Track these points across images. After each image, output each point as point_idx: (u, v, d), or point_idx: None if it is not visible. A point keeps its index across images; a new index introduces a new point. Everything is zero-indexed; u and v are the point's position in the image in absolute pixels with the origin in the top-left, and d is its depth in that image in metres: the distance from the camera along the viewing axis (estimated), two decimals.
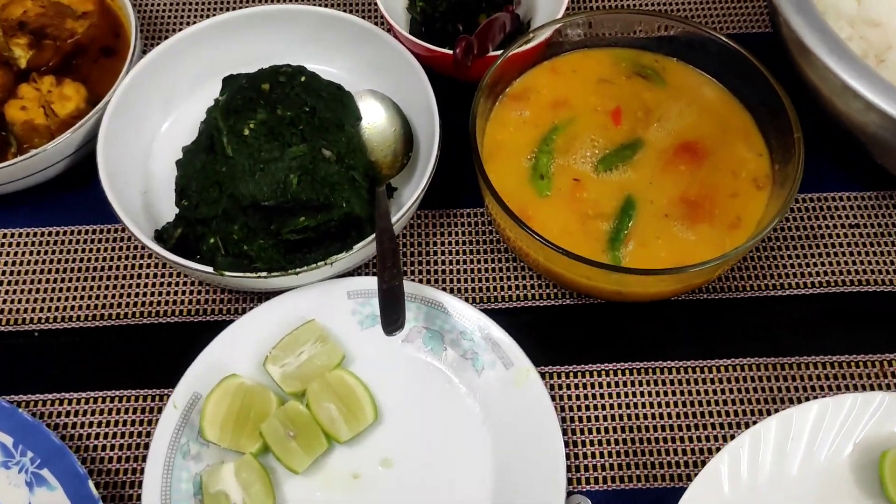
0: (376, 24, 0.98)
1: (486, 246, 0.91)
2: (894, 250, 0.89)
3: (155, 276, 0.90)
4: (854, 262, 0.88)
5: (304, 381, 0.80)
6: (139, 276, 0.90)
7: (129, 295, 0.89)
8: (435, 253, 0.91)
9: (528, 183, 0.83)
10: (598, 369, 0.84)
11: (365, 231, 0.84)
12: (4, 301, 0.89)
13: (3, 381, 0.84)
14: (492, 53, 0.89)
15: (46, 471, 0.77)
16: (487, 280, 0.89)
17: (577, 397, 0.82)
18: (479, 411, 0.80)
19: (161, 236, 0.86)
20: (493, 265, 0.90)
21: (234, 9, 0.98)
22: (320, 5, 0.98)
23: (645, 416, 0.81)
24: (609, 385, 0.83)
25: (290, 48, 0.98)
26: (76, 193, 0.95)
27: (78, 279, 0.90)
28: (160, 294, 0.89)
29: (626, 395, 0.82)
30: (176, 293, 0.89)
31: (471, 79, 0.88)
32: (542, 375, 0.82)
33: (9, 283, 0.90)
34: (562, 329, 0.86)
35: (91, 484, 0.75)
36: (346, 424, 0.78)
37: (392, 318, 0.73)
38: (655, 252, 0.79)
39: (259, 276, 0.80)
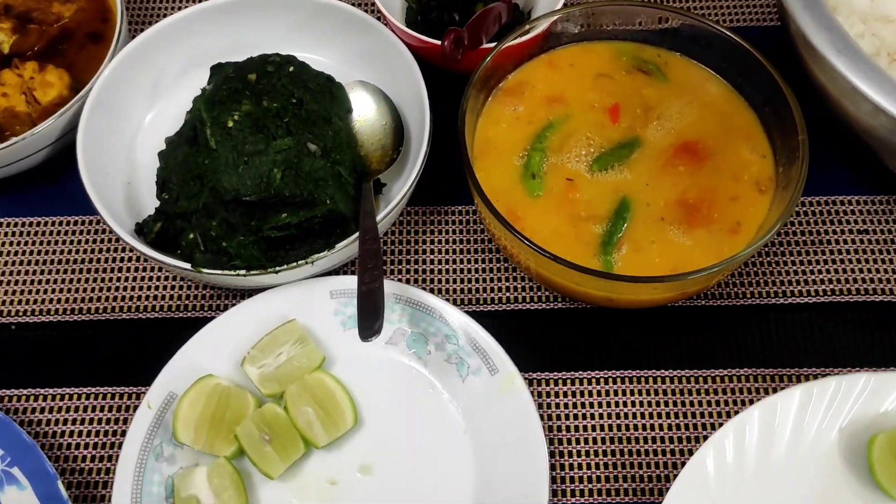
0: (370, 13, 0.95)
1: (476, 245, 0.88)
2: None
3: (135, 270, 0.88)
4: (860, 270, 0.84)
5: (282, 384, 0.77)
6: (119, 270, 0.88)
7: (108, 289, 0.87)
8: (422, 252, 0.88)
9: (519, 182, 0.80)
10: (587, 377, 0.80)
11: (349, 229, 0.81)
12: None
13: None
14: (486, 46, 0.86)
15: (17, 469, 0.75)
16: (475, 281, 0.86)
17: (565, 405, 0.79)
18: (461, 419, 0.77)
19: (141, 230, 0.84)
20: (481, 265, 0.86)
21: None
22: None
23: (635, 427, 0.78)
24: (598, 394, 0.80)
25: (281, 36, 0.95)
26: (58, 183, 0.92)
27: (57, 272, 0.88)
28: (139, 289, 0.87)
29: (616, 404, 0.79)
30: (155, 288, 0.87)
31: (464, 71, 0.84)
32: (529, 382, 0.79)
33: None
34: (550, 334, 0.83)
35: (60, 484, 0.73)
36: (324, 429, 0.75)
37: (368, 323, 0.70)
38: (650, 257, 0.76)
39: (238, 274, 0.77)
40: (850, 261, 0.85)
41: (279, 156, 0.80)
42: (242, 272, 0.77)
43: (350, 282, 0.82)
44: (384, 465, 0.76)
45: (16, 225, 0.91)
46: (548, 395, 0.80)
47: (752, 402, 0.78)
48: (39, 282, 0.87)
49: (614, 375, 0.80)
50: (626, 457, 0.77)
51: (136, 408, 0.79)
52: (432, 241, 0.88)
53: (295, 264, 0.77)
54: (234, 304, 0.84)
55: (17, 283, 0.87)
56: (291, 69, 0.87)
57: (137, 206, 0.88)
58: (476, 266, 0.86)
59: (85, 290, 0.87)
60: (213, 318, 0.81)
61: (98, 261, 0.88)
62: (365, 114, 0.89)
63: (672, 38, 0.86)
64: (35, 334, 0.85)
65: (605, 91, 0.84)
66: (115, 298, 0.86)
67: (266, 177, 0.79)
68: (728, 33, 0.81)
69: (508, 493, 0.72)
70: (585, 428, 0.78)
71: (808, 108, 0.77)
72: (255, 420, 0.75)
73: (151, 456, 0.75)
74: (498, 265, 0.86)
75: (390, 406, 0.78)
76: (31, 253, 0.89)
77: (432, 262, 0.87)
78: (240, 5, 0.93)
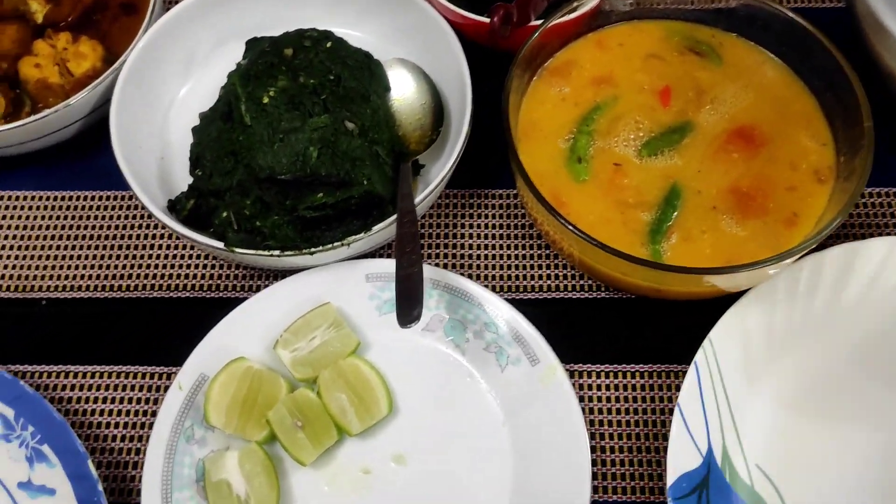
0: None
1: (517, 231, 0.85)
2: None
3: (167, 247, 0.86)
4: None
5: (315, 368, 0.75)
6: (150, 248, 0.86)
7: (139, 266, 0.85)
8: (461, 236, 0.85)
9: (564, 166, 0.77)
10: (632, 370, 0.78)
11: (386, 210, 0.79)
12: (14, 266, 0.86)
13: (5, 350, 0.81)
14: (533, 23, 0.82)
15: (47, 447, 0.74)
16: (516, 268, 0.83)
17: (607, 399, 0.76)
18: (500, 410, 0.74)
19: (174, 207, 0.82)
20: (522, 252, 0.84)
21: None
22: None
23: None
24: (643, 388, 0.77)
25: (318, 10, 0.92)
26: (90, 157, 0.91)
27: (88, 247, 0.86)
28: (171, 267, 0.85)
29: (661, 399, 0.76)
30: (187, 267, 0.85)
31: (509, 49, 0.81)
32: (570, 374, 0.76)
33: (18, 247, 0.87)
34: (593, 324, 0.80)
35: (90, 463, 0.72)
36: (357, 417, 0.73)
37: (408, 309, 0.67)
38: (700, 248, 0.72)
39: (272, 255, 0.75)
40: None
41: (315, 133, 0.77)
42: (276, 252, 0.75)
43: (386, 265, 0.79)
44: (419, 455, 0.74)
45: (47, 199, 0.89)
46: (589, 387, 0.77)
47: None
48: (70, 257, 0.86)
49: (659, 370, 0.77)
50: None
51: (166, 388, 0.78)
52: (471, 226, 0.85)
53: (330, 246, 0.75)
54: (266, 285, 0.82)
55: (47, 257, 0.86)
56: (329, 45, 0.84)
57: (170, 183, 0.86)
58: (516, 252, 0.84)
59: (116, 266, 0.85)
60: (245, 298, 0.79)
61: (129, 237, 0.87)
62: (404, 92, 0.86)
63: (728, 18, 0.82)
64: (65, 310, 0.83)
65: (655, 73, 0.81)
66: (146, 276, 0.84)
67: (302, 155, 0.76)
68: (788, 13, 0.77)
69: (548, 488, 0.70)
70: (628, 423, 0.75)
71: (872, 95, 0.73)
72: (288, 405, 0.73)
73: (182, 438, 0.73)
74: (539, 252, 0.84)
75: (426, 395, 0.76)
76: (63, 227, 0.87)
77: (471, 247, 0.84)
78: None
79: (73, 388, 0.80)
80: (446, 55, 0.85)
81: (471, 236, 0.85)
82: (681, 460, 0.69)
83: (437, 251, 0.84)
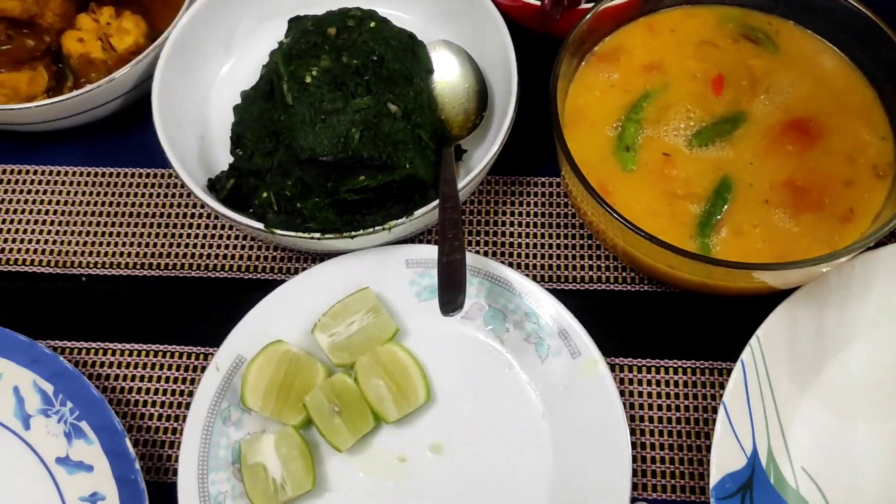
0: None
1: (559, 220, 0.83)
2: None
3: (206, 227, 0.86)
4: None
5: (353, 354, 0.75)
6: (190, 226, 0.86)
7: (178, 245, 0.85)
8: (503, 223, 0.83)
9: (611, 155, 0.75)
10: (675, 366, 0.76)
11: (428, 195, 0.77)
12: (55, 242, 0.86)
13: (45, 325, 0.81)
14: (584, 6, 0.80)
15: (85, 423, 0.74)
16: (558, 257, 0.81)
17: (648, 395, 0.75)
18: (539, 402, 0.73)
19: (214, 186, 0.81)
20: (565, 241, 0.82)
21: None
22: None
23: None
24: (686, 384, 0.75)
25: None
26: (131, 134, 0.91)
27: (129, 224, 0.86)
28: (210, 247, 0.85)
29: (705, 396, 0.75)
30: (226, 247, 0.84)
31: (556, 33, 0.79)
32: (611, 368, 0.75)
33: (59, 223, 0.87)
34: (637, 317, 0.78)
35: (128, 441, 0.72)
36: (395, 404, 0.73)
37: (451, 297, 0.66)
38: (751, 242, 0.70)
39: (312, 237, 0.74)
40: None
41: (358, 115, 0.76)
42: (317, 235, 0.74)
43: (427, 251, 0.78)
44: (456, 444, 0.73)
45: (88, 174, 0.89)
46: (630, 381, 0.76)
47: None
48: (110, 234, 0.86)
49: (703, 366, 0.76)
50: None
51: (203, 368, 0.78)
52: (513, 213, 0.84)
53: (371, 230, 0.74)
54: (304, 268, 0.81)
55: (87, 233, 0.86)
56: (372, 24, 0.83)
57: (210, 161, 0.85)
58: (559, 241, 0.82)
59: (155, 244, 0.85)
60: (283, 280, 0.79)
61: (169, 215, 0.86)
62: (447, 75, 0.85)
63: (785, 4, 0.79)
64: (105, 287, 0.83)
65: (708, 60, 0.78)
66: (185, 255, 0.84)
67: (344, 136, 0.75)
68: (850, 1, 0.74)
69: (587, 483, 0.69)
70: (670, 420, 0.74)
71: None
72: (325, 390, 0.73)
73: (219, 419, 0.73)
74: (582, 241, 0.82)
75: (465, 384, 0.75)
76: (103, 204, 0.87)
77: (512, 234, 0.83)
78: None
79: (111, 365, 0.80)
80: (492, 38, 0.83)
81: (512, 224, 0.83)
82: (725, 460, 0.67)
83: (478, 238, 0.83)
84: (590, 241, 0.82)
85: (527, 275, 0.79)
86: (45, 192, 0.88)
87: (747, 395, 0.69)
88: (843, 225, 0.70)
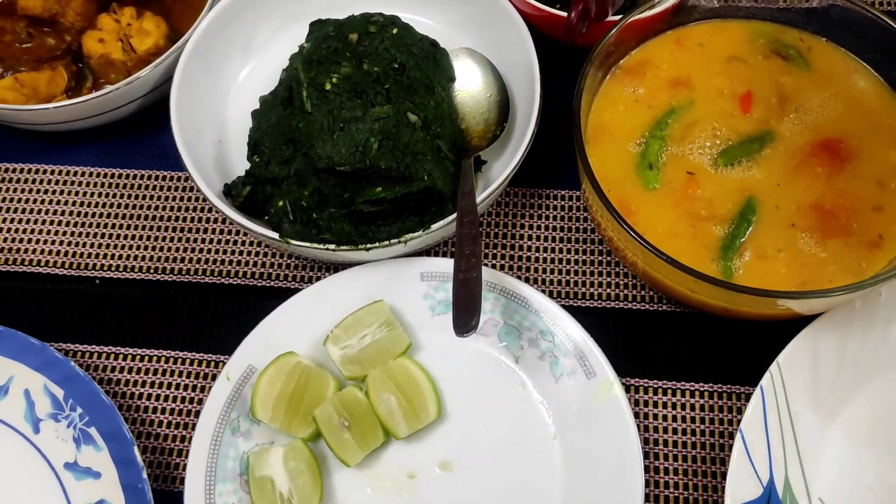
0: None
1: (578, 235, 0.82)
2: None
3: (221, 232, 0.85)
4: None
5: (365, 367, 0.74)
6: (204, 231, 0.85)
7: (192, 250, 0.84)
8: (521, 237, 0.82)
9: (633, 172, 0.73)
10: (692, 389, 0.74)
11: (446, 208, 0.76)
12: (70, 243, 0.85)
13: (58, 327, 0.81)
14: (610, 18, 0.78)
15: (94, 429, 0.74)
16: (575, 273, 0.80)
17: (664, 418, 0.73)
18: (552, 422, 0.72)
19: (230, 192, 0.80)
20: (583, 257, 0.80)
21: None
22: None
23: None
24: (703, 408, 0.73)
25: None
26: (149, 136, 0.90)
27: (143, 227, 0.86)
28: (224, 253, 0.84)
29: (722, 422, 0.73)
30: (240, 253, 0.84)
31: (582, 45, 0.78)
32: (627, 388, 0.73)
33: (74, 224, 0.86)
34: (655, 337, 0.77)
35: (136, 449, 0.72)
36: (405, 420, 0.72)
37: (465, 317, 0.65)
38: (775, 267, 0.68)
39: (327, 249, 0.73)
40: None
41: (377, 124, 0.75)
42: (332, 247, 0.73)
43: (443, 265, 0.77)
44: (466, 462, 0.72)
45: (105, 175, 0.89)
46: (645, 403, 0.74)
47: None
48: (125, 237, 0.85)
49: (721, 390, 0.74)
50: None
51: (214, 376, 0.77)
52: (531, 227, 0.82)
53: (387, 242, 0.73)
54: (318, 277, 0.80)
55: (103, 235, 0.85)
56: (395, 31, 0.81)
57: (227, 167, 0.84)
58: (577, 257, 0.81)
59: (170, 248, 0.84)
60: (296, 289, 0.78)
61: (184, 220, 0.86)
62: (469, 84, 0.83)
63: (818, 21, 0.77)
64: (118, 291, 0.83)
65: (736, 76, 0.76)
66: (199, 260, 0.83)
67: (362, 146, 0.74)
68: (885, 19, 0.72)
69: None
70: (685, 444, 0.72)
71: None
72: (335, 404, 0.72)
73: (228, 429, 0.73)
74: (601, 258, 0.80)
75: (476, 401, 0.74)
76: (119, 206, 0.87)
77: (530, 249, 0.81)
78: None
79: (122, 370, 0.79)
80: (516, 47, 0.81)
81: (530, 238, 0.82)
82: (740, 489, 0.65)
83: (495, 251, 0.81)
84: (609, 258, 0.80)
85: (543, 291, 0.78)
86: (61, 193, 0.88)
87: (765, 423, 0.68)
88: (870, 252, 0.68)
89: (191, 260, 0.84)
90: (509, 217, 0.83)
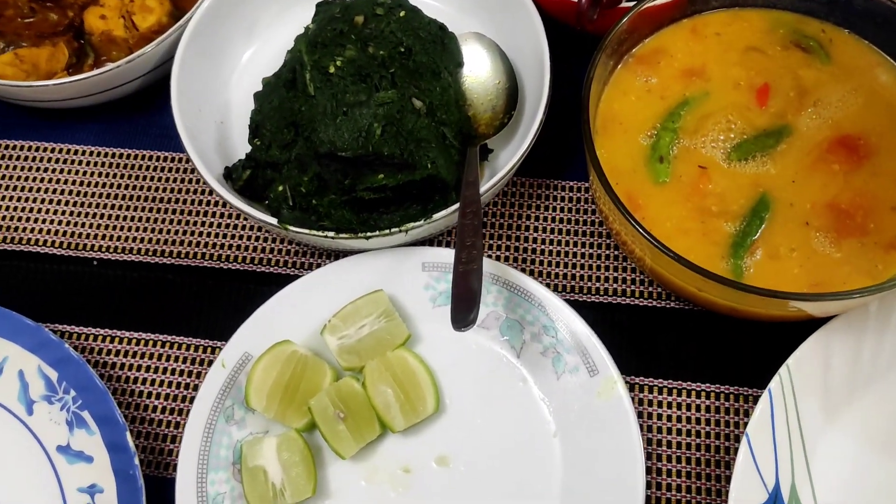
0: None
1: (585, 227, 0.79)
2: None
3: (220, 216, 0.83)
4: None
5: (362, 358, 0.72)
6: (203, 214, 0.83)
7: (191, 233, 0.82)
8: (525, 229, 0.80)
9: (643, 165, 0.71)
10: (697, 389, 0.72)
11: (449, 197, 0.74)
12: (69, 223, 0.84)
13: (53, 307, 0.80)
14: (623, 4, 0.76)
15: (87, 413, 0.73)
16: (581, 267, 0.78)
17: (668, 418, 0.71)
18: (552, 419, 0.70)
19: (230, 175, 0.79)
20: (590, 251, 0.78)
21: None
22: None
23: None
24: (708, 409, 0.71)
25: None
26: (150, 115, 0.88)
27: (142, 209, 0.84)
28: (222, 237, 0.82)
29: (728, 424, 0.71)
30: (239, 238, 0.82)
31: (594, 31, 0.75)
32: (630, 386, 0.71)
33: (73, 203, 0.85)
34: (661, 335, 0.75)
35: (129, 435, 0.70)
36: (402, 413, 0.70)
37: (463, 312, 0.63)
38: (787, 267, 0.66)
39: (326, 236, 0.71)
40: None
41: (381, 109, 0.73)
42: (331, 234, 0.71)
43: (445, 255, 0.75)
44: (463, 458, 0.70)
45: (105, 155, 0.87)
46: (649, 402, 0.72)
47: None
48: (124, 217, 0.84)
49: (728, 391, 0.72)
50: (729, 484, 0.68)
51: (209, 362, 0.76)
52: (537, 218, 0.80)
53: (388, 231, 0.71)
54: (318, 264, 0.78)
55: (101, 216, 0.84)
56: (402, 14, 0.79)
57: (228, 148, 0.83)
58: (583, 251, 0.78)
59: (168, 231, 0.83)
60: (295, 276, 0.76)
61: (184, 202, 0.84)
62: (477, 70, 0.81)
63: (841, 11, 0.74)
64: (115, 272, 0.81)
65: (754, 68, 0.74)
66: (196, 244, 0.82)
67: (365, 131, 0.72)
68: None
69: None
70: (689, 446, 0.70)
71: None
72: (331, 394, 0.70)
73: (222, 417, 0.71)
74: (607, 252, 0.78)
75: (476, 395, 0.72)
76: (118, 186, 0.85)
77: (535, 241, 0.79)
78: None
79: (117, 353, 0.78)
80: (526, 33, 0.79)
81: (535, 229, 0.80)
82: (744, 494, 0.63)
83: (499, 243, 0.80)
84: (616, 252, 0.78)
85: (547, 284, 0.76)
86: (60, 171, 0.86)
87: (773, 427, 0.66)
88: (887, 253, 0.66)
89: (189, 243, 0.82)
90: (515, 208, 0.81)
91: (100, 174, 0.86)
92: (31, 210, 0.85)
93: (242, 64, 0.87)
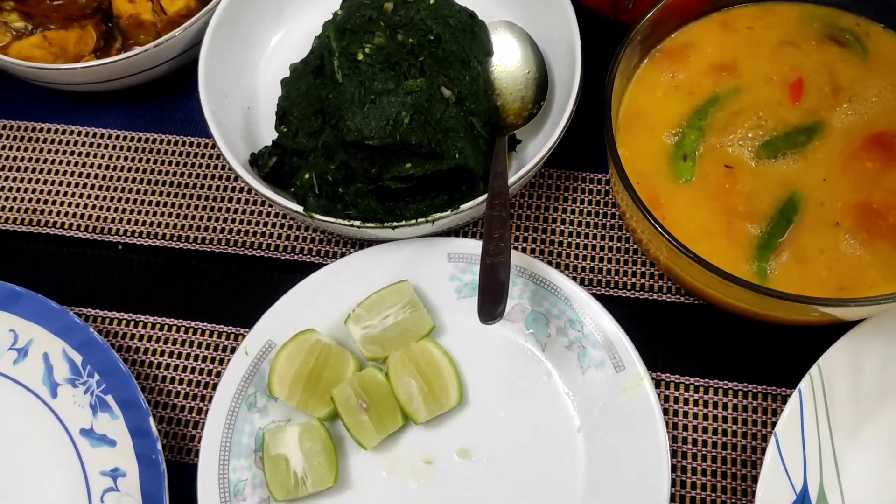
0: None
1: (614, 221, 0.79)
2: None
3: (245, 202, 0.83)
4: None
5: (386, 348, 0.72)
6: (229, 201, 0.83)
7: (216, 219, 0.82)
8: (553, 221, 0.79)
9: (666, 163, 0.69)
10: (725, 387, 0.72)
11: (476, 187, 0.74)
12: (94, 207, 0.84)
13: (77, 292, 0.80)
14: None
15: (111, 397, 0.73)
16: (608, 261, 0.77)
17: (695, 416, 0.71)
18: (577, 414, 0.70)
19: (256, 161, 0.78)
20: (618, 244, 0.78)
21: None
22: None
23: None
24: (735, 408, 0.71)
25: None
26: (177, 100, 0.88)
27: (168, 194, 0.84)
28: (248, 223, 0.82)
29: (756, 423, 0.70)
30: (264, 225, 0.82)
31: (628, 21, 0.74)
32: (656, 383, 0.71)
33: (99, 187, 0.85)
34: (688, 332, 0.74)
35: (152, 420, 0.71)
36: (425, 404, 0.70)
37: (491, 304, 0.62)
38: (815, 270, 0.65)
39: (352, 225, 0.71)
40: None
41: (409, 98, 0.72)
42: (357, 223, 0.71)
43: (471, 246, 0.74)
44: (485, 451, 0.70)
45: (132, 139, 0.87)
46: (675, 400, 0.71)
47: None
48: (149, 202, 0.84)
49: (756, 390, 0.71)
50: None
51: (233, 349, 0.76)
52: (564, 210, 0.80)
53: (414, 221, 0.71)
54: (343, 252, 0.78)
55: (127, 200, 0.84)
56: (432, 1, 0.79)
57: (254, 135, 0.82)
58: (611, 245, 0.78)
59: (193, 217, 0.83)
60: (320, 264, 0.76)
61: (210, 187, 0.84)
62: (507, 60, 0.80)
63: (878, 5, 0.72)
64: (140, 257, 0.82)
65: (787, 62, 0.73)
66: (222, 230, 0.82)
67: (393, 120, 0.72)
68: None
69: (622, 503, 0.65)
70: (715, 445, 0.70)
71: None
72: (354, 384, 0.70)
73: (244, 405, 0.71)
74: (635, 246, 0.78)
75: (500, 388, 0.71)
76: (144, 171, 0.85)
77: (562, 233, 0.79)
78: None
79: (140, 337, 0.78)
80: (558, 22, 0.78)
81: (563, 222, 0.79)
82: (771, 495, 0.63)
83: (526, 235, 0.79)
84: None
85: (574, 278, 0.75)
86: (87, 155, 0.87)
87: (802, 428, 0.65)
88: None
89: (214, 229, 0.82)
90: (542, 199, 0.80)
91: (126, 158, 0.86)
92: (57, 193, 0.85)
93: (270, 49, 0.87)
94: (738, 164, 0.69)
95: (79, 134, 0.88)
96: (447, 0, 0.80)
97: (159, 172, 0.85)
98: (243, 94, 0.84)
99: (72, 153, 0.87)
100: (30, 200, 0.85)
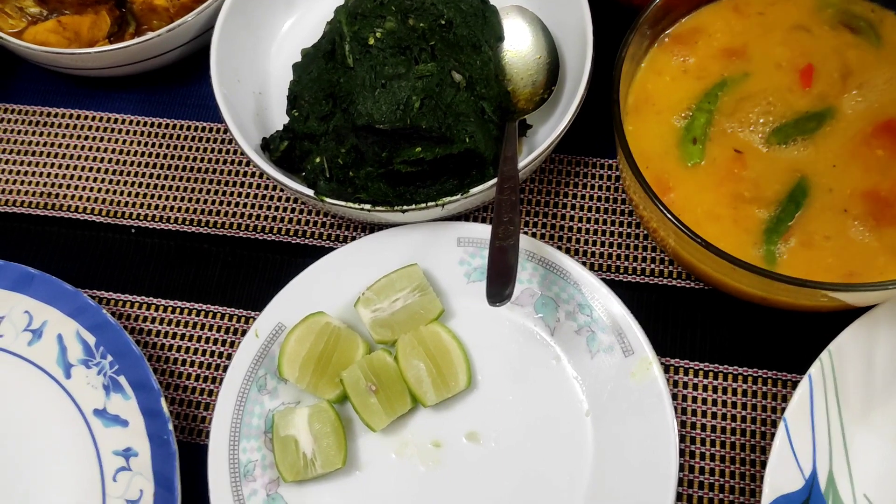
0: None
1: (623, 206, 0.79)
2: None
3: (257, 186, 0.84)
4: None
5: (395, 332, 0.72)
6: (241, 185, 0.84)
7: (227, 203, 0.83)
8: (563, 206, 0.79)
9: (675, 147, 0.69)
10: (734, 373, 0.72)
11: (486, 172, 0.74)
12: (108, 191, 0.85)
13: (91, 274, 0.81)
14: None
15: (123, 378, 0.74)
16: (618, 246, 0.77)
17: (703, 401, 0.71)
18: (585, 399, 0.70)
19: (267, 146, 0.79)
20: (627, 230, 0.78)
21: None
22: None
23: None
24: (744, 394, 0.71)
25: None
26: (190, 85, 0.89)
27: (181, 178, 0.85)
28: (259, 207, 0.83)
29: (765, 409, 0.70)
30: (276, 209, 0.82)
31: (639, 5, 0.74)
32: (665, 368, 0.71)
33: (112, 171, 0.86)
34: (697, 317, 0.74)
35: (163, 401, 0.71)
36: (434, 387, 0.70)
37: (499, 287, 0.62)
38: (822, 256, 0.64)
39: (362, 209, 0.71)
40: None
41: (420, 82, 0.72)
42: (367, 207, 0.71)
43: (480, 230, 0.75)
44: (493, 434, 0.70)
45: (144, 124, 0.88)
46: (684, 385, 0.72)
47: None
48: (162, 186, 0.84)
49: (765, 376, 0.71)
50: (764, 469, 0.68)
51: (243, 332, 0.76)
52: (574, 195, 0.80)
53: (424, 205, 0.71)
54: (354, 237, 0.79)
55: (140, 184, 0.85)
56: None
57: (266, 120, 0.83)
58: (619, 230, 0.78)
59: (206, 200, 0.83)
60: (330, 248, 0.77)
61: (222, 172, 0.85)
62: (518, 44, 0.80)
63: None
64: (152, 241, 0.82)
65: (798, 47, 0.72)
66: (234, 214, 0.82)
67: (403, 104, 0.72)
68: None
69: (629, 489, 0.65)
70: (724, 430, 0.70)
71: None
72: (363, 367, 0.70)
73: (254, 387, 0.72)
74: (644, 231, 0.78)
75: (508, 372, 0.72)
76: (157, 155, 0.86)
77: (572, 218, 0.79)
78: None
79: (153, 320, 0.79)
80: (569, 7, 0.78)
81: (573, 207, 0.79)
82: (780, 480, 0.63)
83: (535, 219, 0.79)
84: None
85: (583, 262, 0.76)
86: (100, 139, 0.87)
87: (812, 413, 0.65)
88: None
89: (226, 213, 0.83)
90: (552, 184, 0.80)
91: (139, 143, 0.87)
92: (71, 177, 0.86)
93: (282, 34, 0.87)
94: (748, 149, 0.69)
95: (93, 119, 0.88)
96: None
97: (172, 157, 0.86)
98: (255, 79, 0.84)
99: (86, 138, 0.87)
100: (44, 184, 0.85)
